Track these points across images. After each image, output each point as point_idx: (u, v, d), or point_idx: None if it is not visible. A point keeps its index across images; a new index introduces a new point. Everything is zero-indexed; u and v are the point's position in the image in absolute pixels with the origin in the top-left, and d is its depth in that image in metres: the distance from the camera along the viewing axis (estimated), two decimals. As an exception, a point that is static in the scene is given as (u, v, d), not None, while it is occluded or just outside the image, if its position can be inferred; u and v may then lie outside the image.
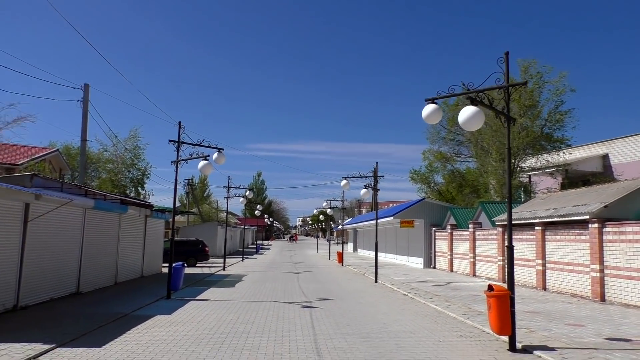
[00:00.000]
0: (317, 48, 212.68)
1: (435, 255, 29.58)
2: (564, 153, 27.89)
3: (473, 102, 8.10)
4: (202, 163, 14.02)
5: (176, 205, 15.71)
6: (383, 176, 21.33)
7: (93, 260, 15.63)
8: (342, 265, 32.24)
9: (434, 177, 44.72)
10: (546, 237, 17.56)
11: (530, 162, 27.72)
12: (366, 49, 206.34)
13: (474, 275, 23.41)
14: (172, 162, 14.60)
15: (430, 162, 44.20)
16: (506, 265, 8.46)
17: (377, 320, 11.15)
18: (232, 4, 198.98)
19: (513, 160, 27.40)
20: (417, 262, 31.30)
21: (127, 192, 33.99)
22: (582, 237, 15.48)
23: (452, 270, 26.44)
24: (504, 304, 8.12)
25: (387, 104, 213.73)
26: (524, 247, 18.96)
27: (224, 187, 27.63)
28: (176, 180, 14.68)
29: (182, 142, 14.48)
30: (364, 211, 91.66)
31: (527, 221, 18.48)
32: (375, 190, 20.99)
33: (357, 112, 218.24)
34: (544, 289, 17.37)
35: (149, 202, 20.46)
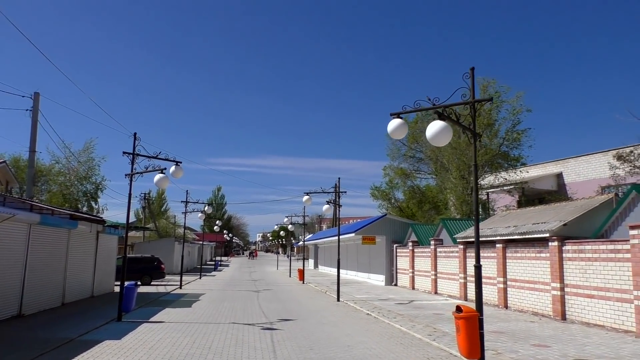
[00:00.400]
0: (277, 62, 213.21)
1: (396, 273, 29.45)
2: (520, 171, 28.49)
3: (441, 117, 7.90)
4: (158, 176, 13.36)
5: (132, 221, 15.02)
6: (345, 192, 21.12)
7: (38, 279, 14.58)
8: (303, 282, 31.70)
9: (395, 194, 45.00)
10: (507, 254, 17.64)
11: (488, 179, 28.16)
12: (327, 64, 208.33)
13: (436, 292, 23.34)
14: (126, 175, 13.86)
15: (391, 179, 44.46)
16: (475, 286, 8.21)
17: (341, 342, 10.73)
18: (193, 17, 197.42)
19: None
20: (378, 280, 31.10)
21: (80, 206, 32.48)
22: (543, 255, 15.59)
23: (413, 288, 26.33)
24: (473, 326, 7.86)
25: (348, 120, 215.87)
26: (485, 264, 18.96)
27: (181, 201, 26.75)
28: (130, 194, 13.93)
29: (137, 155, 13.79)
30: (324, 227, 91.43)
31: (488, 238, 18.55)
32: (337, 206, 20.69)
33: (318, 127, 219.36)
34: (506, 307, 17.38)
35: (100, 217, 19.45)
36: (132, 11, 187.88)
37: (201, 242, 47.59)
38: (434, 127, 7.72)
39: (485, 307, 17.76)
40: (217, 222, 42.42)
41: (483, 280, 18.99)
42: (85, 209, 32.84)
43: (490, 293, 18.53)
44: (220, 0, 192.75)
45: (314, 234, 70.75)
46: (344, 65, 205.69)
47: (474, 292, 20.12)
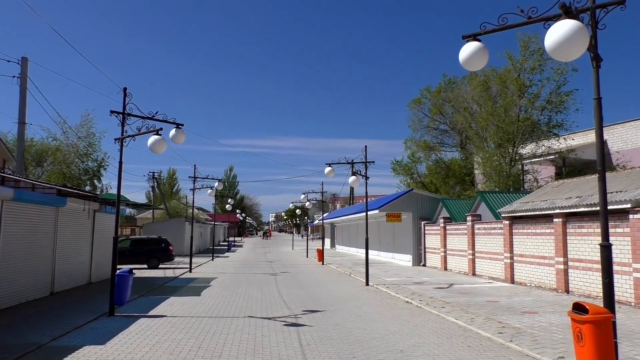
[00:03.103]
0: (289, 45, 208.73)
1: (425, 252, 26.95)
2: (564, 139, 25.57)
3: (569, 13, 5.21)
4: (152, 138, 10.82)
5: (143, 202, 12.66)
6: (374, 162, 18.52)
7: (14, 266, 12.24)
8: (323, 263, 29.33)
9: (417, 168, 42.31)
10: (568, 230, 14.98)
11: (529, 148, 25.31)
12: (338, 44, 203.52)
13: (474, 274, 20.81)
14: (115, 139, 11.37)
15: (413, 152, 41.82)
16: (602, 274, 5.63)
17: (390, 345, 8.25)
18: (211, 3, 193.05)
19: (512, 148, 25.01)
20: (404, 260, 28.64)
21: (82, 185, 30.25)
22: (619, 230, 12.91)
23: (446, 269, 23.83)
24: (605, 334, 5.31)
25: (361, 100, 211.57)
26: (539, 242, 16.39)
27: (189, 177, 24.35)
28: (121, 162, 11.42)
29: (129, 114, 11.26)
30: (338, 206, 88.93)
31: (543, 212, 15.90)
32: (365, 178, 18.09)
33: (330, 108, 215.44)
34: (567, 291, 14.80)
35: (94, 194, 17.08)
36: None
37: (213, 223, 45.46)
38: (562, 30, 4.97)
39: (540, 291, 15.25)
40: (230, 200, 40.09)
41: (537, 259, 16.45)
42: (88, 188, 30.62)
43: (545, 275, 15.96)
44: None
45: (329, 212, 68.34)
46: (355, 48, 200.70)
47: (522, 274, 17.61)
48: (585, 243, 14.26)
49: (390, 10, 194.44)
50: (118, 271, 11.45)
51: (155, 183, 49.74)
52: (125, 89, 11.35)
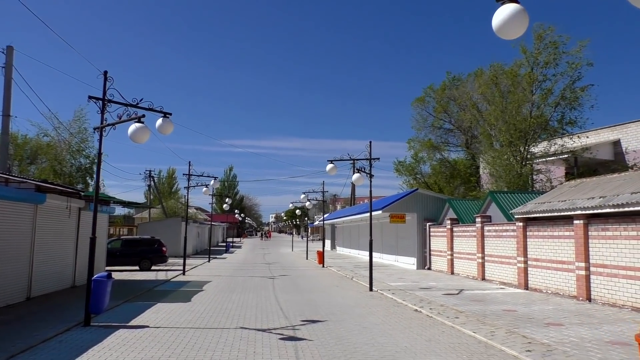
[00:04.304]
0: (293, 46, 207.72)
1: (430, 255, 25.76)
2: (578, 137, 24.37)
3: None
4: (133, 126, 9.62)
5: (136, 201, 11.49)
6: (378, 159, 17.27)
7: (-16, 269, 11.10)
8: (324, 266, 28.14)
9: (421, 169, 41.16)
10: (590, 233, 13.80)
11: (542, 146, 24.09)
12: (341, 44, 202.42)
13: (484, 279, 19.62)
14: (94, 128, 10.22)
15: (417, 152, 40.71)
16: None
17: (403, 366, 7.08)
18: (212, 1, 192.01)
19: (524, 147, 23.81)
20: (408, 263, 27.44)
21: (74, 183, 29.09)
22: (650, 233, 11.74)
23: (453, 273, 22.64)
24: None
25: (363, 101, 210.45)
26: (557, 245, 15.22)
27: (183, 174, 23.16)
28: (100, 152, 10.25)
29: (109, 101, 10.09)
30: (339, 207, 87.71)
31: (563, 213, 14.71)
32: (370, 175, 16.92)
33: (332, 109, 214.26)
34: (588, 299, 13.62)
35: (78, 190, 15.85)
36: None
37: (211, 223, 44.26)
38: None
39: (559, 299, 14.06)
40: (227, 200, 38.91)
41: (555, 264, 15.26)
42: (80, 186, 29.46)
43: (564, 281, 14.79)
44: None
45: (330, 213, 67.16)
46: (358, 49, 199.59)
47: (537, 280, 16.35)
48: (610, 247, 13.07)
49: (392, 9, 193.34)
50: (95, 276, 10.27)
51: (153, 182, 48.55)
52: (105, 72, 10.18)
